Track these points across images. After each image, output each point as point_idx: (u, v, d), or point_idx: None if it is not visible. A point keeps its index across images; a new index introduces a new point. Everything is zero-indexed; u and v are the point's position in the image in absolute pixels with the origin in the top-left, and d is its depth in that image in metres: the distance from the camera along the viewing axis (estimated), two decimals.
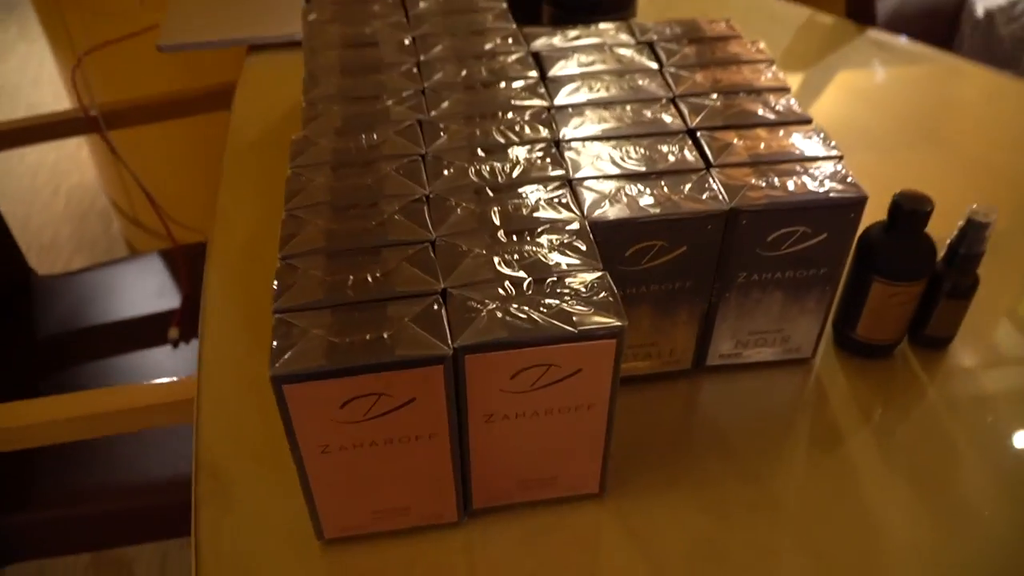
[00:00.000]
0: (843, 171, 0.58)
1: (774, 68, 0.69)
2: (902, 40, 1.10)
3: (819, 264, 0.59)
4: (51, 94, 2.53)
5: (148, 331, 1.15)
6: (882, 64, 1.07)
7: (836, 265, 0.59)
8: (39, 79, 2.63)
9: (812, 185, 0.56)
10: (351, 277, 0.50)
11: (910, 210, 0.58)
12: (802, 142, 0.60)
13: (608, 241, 0.54)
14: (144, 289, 1.23)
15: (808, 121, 0.63)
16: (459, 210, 0.54)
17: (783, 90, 0.66)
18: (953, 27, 1.52)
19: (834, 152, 0.60)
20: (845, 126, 0.97)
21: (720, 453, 0.59)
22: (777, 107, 0.64)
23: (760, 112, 0.63)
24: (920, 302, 0.64)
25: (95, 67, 1.39)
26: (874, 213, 0.60)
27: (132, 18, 1.29)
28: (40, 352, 1.12)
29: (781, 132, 0.61)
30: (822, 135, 0.61)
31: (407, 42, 0.73)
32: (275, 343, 0.46)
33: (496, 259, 0.51)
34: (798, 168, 0.58)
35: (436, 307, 0.48)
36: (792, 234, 0.57)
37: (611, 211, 0.54)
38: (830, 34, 1.12)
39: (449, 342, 0.46)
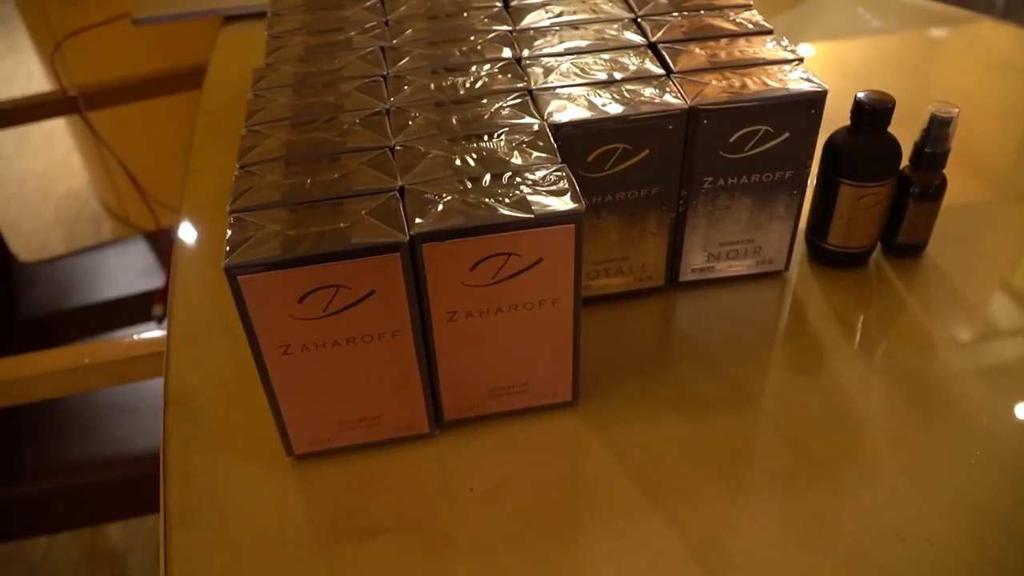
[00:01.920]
0: (803, 71, 0.58)
1: None
2: None
3: (784, 166, 0.58)
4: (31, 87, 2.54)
5: (132, 310, 1.14)
6: (852, 7, 1.07)
7: (802, 167, 0.59)
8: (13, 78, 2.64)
9: (772, 83, 0.56)
10: (309, 180, 0.50)
11: (871, 108, 0.58)
12: (762, 49, 0.60)
13: (569, 145, 0.54)
14: (128, 270, 1.22)
15: (770, 31, 0.63)
16: (419, 119, 0.54)
17: (745, 6, 0.66)
18: None
19: (794, 55, 0.59)
20: (820, 61, 0.97)
21: (696, 363, 0.59)
22: (738, 20, 0.64)
23: (722, 25, 0.63)
24: (891, 207, 0.63)
25: (74, 52, 1.39)
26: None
27: (110, 2, 1.29)
28: (23, 333, 1.12)
29: (742, 41, 0.61)
30: (784, 42, 0.61)
31: None
32: (229, 239, 0.45)
33: (456, 158, 0.50)
34: (758, 71, 0.58)
35: (394, 201, 0.48)
36: (754, 134, 0.56)
37: (571, 113, 0.54)
38: None
39: (406, 230, 0.45)
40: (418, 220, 0.46)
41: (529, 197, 0.47)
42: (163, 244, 1.25)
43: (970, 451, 0.52)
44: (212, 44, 1.06)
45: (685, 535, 0.48)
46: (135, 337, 0.78)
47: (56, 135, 2.40)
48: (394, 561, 0.48)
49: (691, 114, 0.55)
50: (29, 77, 2.67)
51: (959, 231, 0.69)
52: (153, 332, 0.81)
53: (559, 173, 0.49)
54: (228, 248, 0.45)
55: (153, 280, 1.20)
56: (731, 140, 0.56)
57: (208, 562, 0.48)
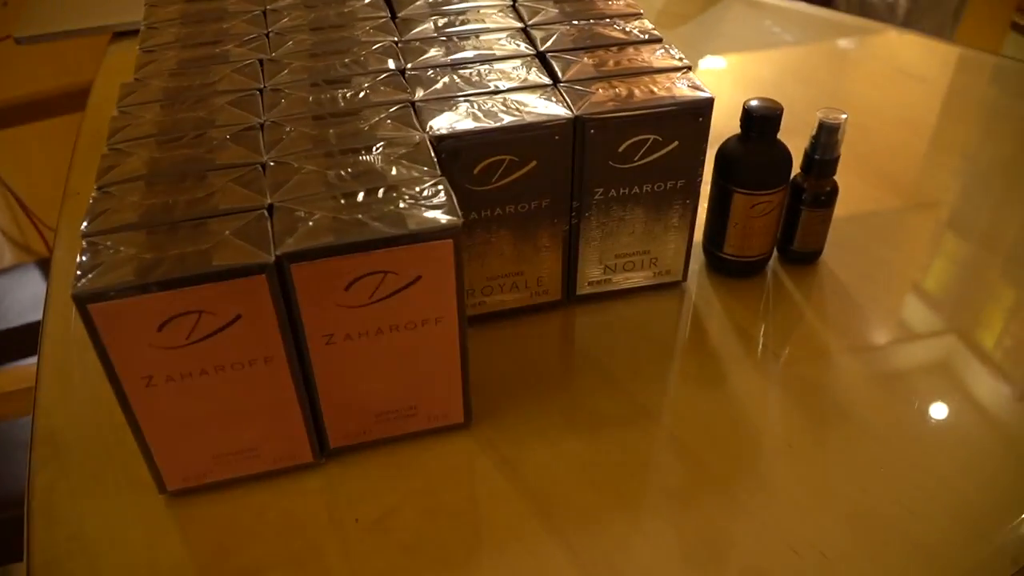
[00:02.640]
0: (691, 79, 0.57)
1: None
2: None
3: (676, 175, 0.58)
4: None
5: (20, 343, 1.08)
6: (756, 18, 1.08)
7: (693, 176, 0.58)
8: None
9: (659, 92, 0.55)
10: (172, 200, 0.47)
11: (760, 115, 0.58)
12: (651, 57, 0.60)
13: (453, 158, 0.52)
14: (18, 302, 1.16)
15: (659, 40, 0.62)
16: (294, 134, 0.52)
17: (636, 15, 0.65)
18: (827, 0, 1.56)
19: (682, 63, 0.59)
20: (722, 72, 0.97)
21: (594, 379, 0.57)
22: (628, 29, 0.63)
23: (611, 34, 0.62)
24: (784, 216, 0.63)
25: None
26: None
27: None
28: None
29: (631, 50, 0.61)
30: (673, 50, 0.61)
31: None
32: (80, 264, 0.42)
33: (330, 173, 0.48)
34: (646, 79, 0.57)
35: (261, 220, 0.45)
36: (643, 143, 0.55)
37: (454, 125, 0.52)
38: None
39: (272, 250, 0.43)
40: (286, 239, 0.43)
41: (405, 212, 0.45)
42: None
43: (865, 461, 0.52)
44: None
45: (579, 560, 0.46)
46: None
47: None
48: None
49: (577, 124, 0.54)
50: None
51: (855, 238, 0.69)
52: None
53: (437, 187, 0.47)
54: (78, 274, 0.41)
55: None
56: (620, 150, 0.55)
57: None
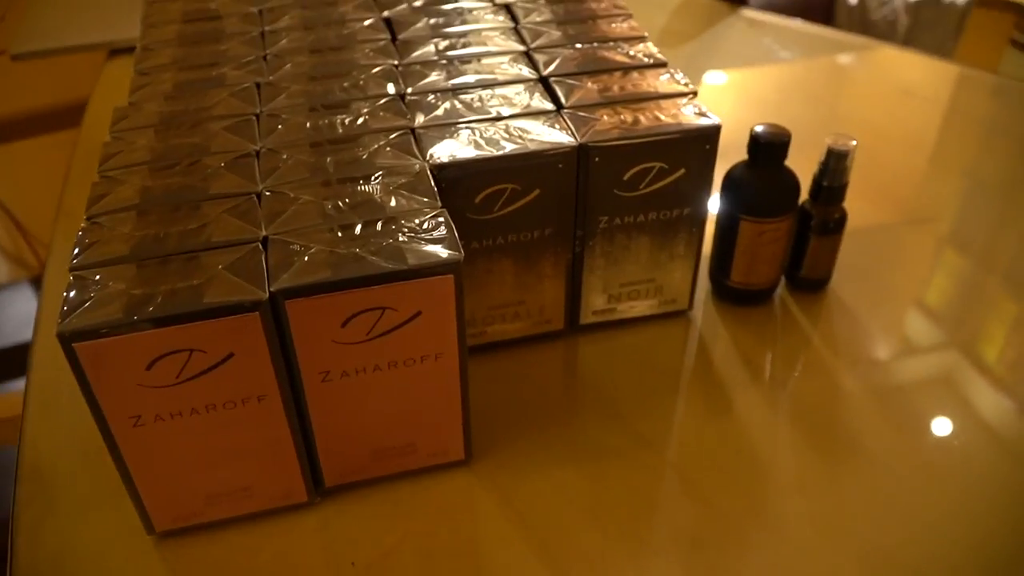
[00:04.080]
0: (697, 105, 0.56)
1: (631, 21, 0.67)
2: (775, 17, 1.11)
3: (682, 203, 0.56)
4: None
5: (16, 362, 1.07)
6: (757, 36, 1.07)
7: (700, 204, 0.57)
8: None
9: (665, 119, 0.54)
10: (163, 232, 0.45)
11: (767, 142, 0.57)
12: (656, 82, 0.58)
13: (455, 187, 0.51)
14: (11, 319, 1.14)
15: (664, 64, 0.61)
16: (291, 161, 0.50)
17: (640, 39, 0.64)
18: (828, 17, 1.55)
19: (688, 88, 0.57)
20: (724, 91, 0.96)
21: (598, 413, 0.56)
22: (632, 53, 0.62)
23: (615, 58, 0.61)
24: (793, 243, 0.62)
25: None
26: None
27: None
28: None
29: (636, 74, 0.59)
30: (679, 75, 0.59)
31: (253, 12, 0.69)
32: (67, 299, 0.41)
33: (327, 203, 0.47)
34: (651, 105, 0.56)
35: (255, 254, 0.43)
36: (649, 171, 0.54)
37: (456, 153, 0.51)
38: (705, 13, 1.12)
39: (266, 286, 0.41)
40: (281, 274, 0.42)
41: (404, 246, 0.43)
42: None
43: (875, 495, 0.50)
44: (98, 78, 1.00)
45: None
46: None
47: None
48: None
49: (582, 151, 0.52)
50: None
51: (863, 263, 0.67)
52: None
53: (438, 219, 0.45)
54: (64, 311, 0.40)
55: None
56: (625, 178, 0.54)
57: None
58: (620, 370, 0.59)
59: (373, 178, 0.49)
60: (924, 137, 0.87)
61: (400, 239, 0.44)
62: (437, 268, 0.42)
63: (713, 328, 0.62)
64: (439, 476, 0.52)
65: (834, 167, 0.59)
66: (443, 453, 0.51)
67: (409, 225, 0.45)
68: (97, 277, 0.42)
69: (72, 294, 0.41)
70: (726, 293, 0.63)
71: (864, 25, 1.51)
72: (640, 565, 0.47)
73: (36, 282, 1.20)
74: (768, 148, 0.57)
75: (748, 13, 1.11)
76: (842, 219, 0.61)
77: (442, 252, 0.43)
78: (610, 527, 0.49)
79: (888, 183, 0.78)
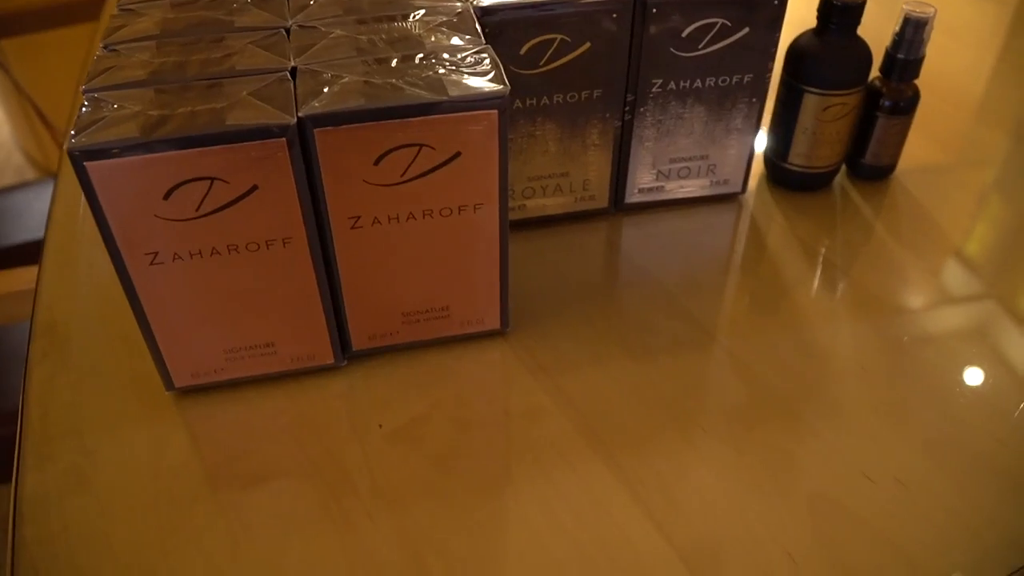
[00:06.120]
0: None
1: None
2: None
3: (743, 68, 0.52)
4: None
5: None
6: None
7: (762, 70, 0.52)
8: None
9: None
10: (184, 59, 0.41)
11: (841, 5, 0.52)
12: None
13: (500, 33, 0.47)
14: (40, 214, 1.12)
15: None
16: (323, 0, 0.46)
17: None
18: None
19: None
20: None
21: (644, 294, 0.52)
22: None
23: None
24: (858, 123, 0.57)
25: None
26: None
27: None
28: None
29: None
30: None
31: None
32: (79, 118, 0.37)
33: (362, 38, 0.43)
34: None
35: (283, 82, 0.40)
36: (710, 27, 0.50)
37: None
38: None
39: (294, 112, 0.38)
40: (310, 101, 0.38)
41: (445, 78, 0.39)
42: None
43: (945, 387, 0.47)
44: None
45: (627, 481, 0.42)
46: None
47: None
48: (286, 510, 0.41)
49: (638, 1, 0.48)
50: None
51: (930, 156, 0.63)
52: None
53: (482, 54, 0.41)
54: (75, 130, 0.37)
55: None
56: (684, 35, 0.50)
57: (65, 512, 0.41)
58: (667, 253, 0.55)
59: (412, 16, 0.45)
60: (996, 38, 0.81)
61: (440, 71, 0.40)
62: (481, 101, 0.39)
63: (767, 213, 0.58)
64: (474, 346, 0.49)
65: (910, 37, 0.54)
66: (479, 321, 0.48)
67: (451, 59, 0.41)
68: (112, 100, 0.38)
69: (84, 114, 0.38)
70: (782, 176, 0.59)
71: None
72: (690, 444, 0.43)
73: None
74: (841, 12, 0.52)
75: None
76: (915, 98, 0.56)
77: (487, 85, 0.39)
78: (656, 405, 0.45)
79: (962, 83, 0.73)
